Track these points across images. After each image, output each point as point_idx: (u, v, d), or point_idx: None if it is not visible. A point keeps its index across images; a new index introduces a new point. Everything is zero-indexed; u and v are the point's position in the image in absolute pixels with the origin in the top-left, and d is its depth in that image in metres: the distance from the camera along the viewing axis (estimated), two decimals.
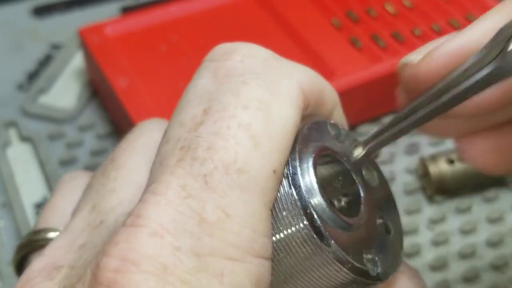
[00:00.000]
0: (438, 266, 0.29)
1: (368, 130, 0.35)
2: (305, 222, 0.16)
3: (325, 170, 0.19)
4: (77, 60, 0.39)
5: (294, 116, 0.16)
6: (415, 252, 0.29)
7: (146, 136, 0.19)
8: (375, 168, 0.20)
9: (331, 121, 0.19)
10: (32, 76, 0.38)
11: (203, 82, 0.17)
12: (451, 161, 0.31)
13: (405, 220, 0.31)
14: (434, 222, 0.31)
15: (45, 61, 0.39)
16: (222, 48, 0.17)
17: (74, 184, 0.21)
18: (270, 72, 0.16)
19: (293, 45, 0.35)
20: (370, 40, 0.35)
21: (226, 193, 0.15)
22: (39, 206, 0.31)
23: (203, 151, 0.15)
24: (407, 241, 0.30)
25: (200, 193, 0.15)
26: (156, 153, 0.16)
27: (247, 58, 0.17)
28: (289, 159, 0.17)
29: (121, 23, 0.36)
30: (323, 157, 0.18)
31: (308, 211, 0.16)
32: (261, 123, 0.15)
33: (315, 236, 0.16)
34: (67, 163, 0.33)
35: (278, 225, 0.16)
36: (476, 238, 0.30)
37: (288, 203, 0.16)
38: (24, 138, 0.34)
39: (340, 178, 0.19)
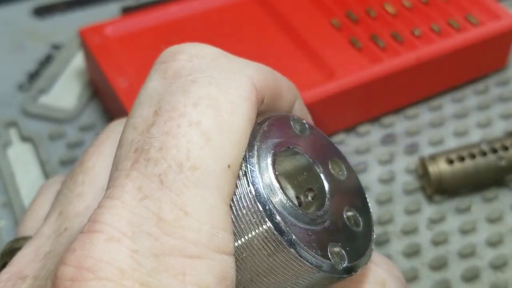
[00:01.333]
0: (438, 266, 0.29)
1: (368, 130, 0.35)
2: (265, 219, 0.16)
3: (288, 165, 0.19)
4: (78, 60, 0.39)
5: (246, 111, 0.16)
6: (415, 252, 0.29)
7: (112, 138, 0.19)
8: (344, 161, 0.19)
9: (295, 116, 0.19)
10: (33, 76, 0.38)
11: (153, 84, 0.17)
12: (450, 161, 0.31)
13: (405, 220, 0.31)
14: (434, 222, 0.31)
15: (46, 61, 0.39)
16: (170, 50, 0.18)
17: (51, 190, 0.20)
18: (219, 69, 0.16)
19: (293, 45, 0.35)
20: (369, 41, 0.35)
21: (182, 191, 0.15)
22: None
23: (155, 151, 0.15)
24: (407, 241, 0.30)
25: (156, 193, 0.14)
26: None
27: (195, 57, 0.17)
28: (247, 156, 0.16)
29: (122, 24, 0.36)
30: (285, 152, 0.18)
31: (267, 207, 0.16)
32: (212, 119, 0.15)
33: (275, 232, 0.16)
34: (68, 163, 0.33)
35: (240, 223, 0.16)
36: (476, 238, 0.30)
37: (247, 201, 0.16)
38: (25, 138, 0.34)
39: (304, 172, 0.19)
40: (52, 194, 0.20)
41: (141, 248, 0.14)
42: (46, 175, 0.32)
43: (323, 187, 0.18)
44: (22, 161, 0.33)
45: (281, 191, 0.16)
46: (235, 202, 0.16)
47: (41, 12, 0.42)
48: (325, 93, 0.32)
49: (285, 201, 0.16)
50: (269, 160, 0.17)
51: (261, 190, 0.16)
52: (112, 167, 0.16)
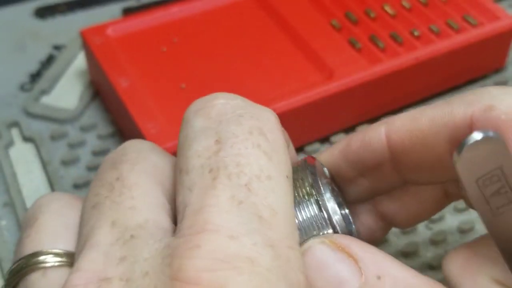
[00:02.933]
0: (437, 265, 0.29)
1: None
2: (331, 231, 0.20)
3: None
4: (79, 61, 0.39)
5: (282, 136, 0.19)
6: (414, 251, 0.30)
7: (147, 159, 0.20)
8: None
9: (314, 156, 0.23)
10: (34, 76, 0.38)
11: (199, 123, 0.19)
12: None
13: None
14: (432, 221, 0.31)
15: (47, 61, 0.39)
16: (202, 99, 0.20)
17: (60, 205, 0.21)
18: (251, 107, 0.20)
19: (293, 46, 0.35)
20: (369, 41, 0.35)
21: (266, 195, 0.17)
22: None
23: (233, 168, 0.18)
24: (406, 241, 0.30)
25: (248, 198, 0.17)
26: (176, 186, 0.18)
27: (229, 100, 0.20)
28: (315, 184, 0.20)
29: (123, 24, 0.36)
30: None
31: (334, 225, 0.20)
32: (266, 142, 0.18)
33: None
34: (69, 163, 0.33)
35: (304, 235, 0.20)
36: (474, 237, 0.30)
37: (318, 222, 0.20)
38: (27, 138, 0.35)
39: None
40: (61, 210, 0.21)
41: (257, 242, 0.16)
42: (48, 174, 0.33)
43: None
44: (24, 161, 0.33)
45: (340, 211, 0.20)
46: (301, 222, 0.20)
47: (43, 13, 0.43)
48: (325, 93, 0.32)
49: (343, 220, 0.20)
50: (328, 187, 0.20)
51: (330, 213, 0.20)
52: (181, 192, 0.18)
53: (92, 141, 0.34)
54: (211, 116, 0.19)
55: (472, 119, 0.20)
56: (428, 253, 0.30)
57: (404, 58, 0.34)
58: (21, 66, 0.39)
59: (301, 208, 0.20)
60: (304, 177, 0.20)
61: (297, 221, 0.19)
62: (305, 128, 0.33)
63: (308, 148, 0.34)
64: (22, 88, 0.38)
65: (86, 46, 0.35)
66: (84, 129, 0.35)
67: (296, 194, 0.20)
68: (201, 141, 0.18)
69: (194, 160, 0.18)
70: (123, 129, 0.34)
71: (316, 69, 0.34)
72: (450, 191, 0.23)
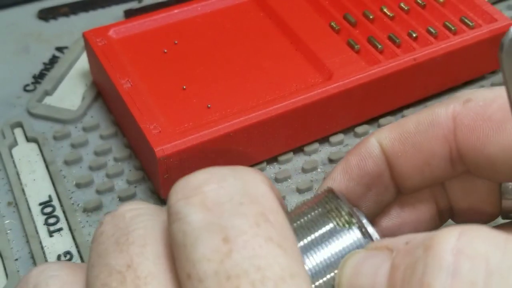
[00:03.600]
0: None
1: (366, 131, 0.35)
2: None
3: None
4: (82, 62, 0.39)
5: (281, 209, 0.18)
6: None
7: (154, 235, 0.18)
8: None
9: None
10: (38, 77, 0.39)
11: (197, 218, 0.17)
12: None
13: None
14: None
15: (50, 63, 0.40)
16: (187, 184, 0.17)
17: (56, 282, 0.19)
18: (245, 185, 0.18)
19: (292, 47, 0.36)
20: (367, 43, 0.35)
21: None
22: (44, 205, 0.32)
23: (255, 273, 0.16)
24: None
25: None
26: None
27: (221, 182, 0.17)
28: (350, 211, 0.20)
29: (125, 26, 0.37)
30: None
31: None
32: (275, 231, 0.17)
33: None
34: (72, 163, 0.34)
35: None
36: None
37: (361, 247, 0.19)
38: (30, 139, 0.35)
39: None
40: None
41: None
42: (51, 174, 0.33)
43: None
44: (27, 161, 0.34)
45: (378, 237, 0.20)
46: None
47: (46, 15, 0.43)
48: (324, 94, 0.32)
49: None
50: (363, 213, 0.20)
51: (372, 238, 0.20)
52: None
53: (94, 141, 0.35)
54: (209, 208, 0.17)
55: (453, 114, 0.21)
56: None
57: (402, 59, 0.34)
58: (25, 67, 0.39)
59: (343, 237, 0.19)
60: (338, 207, 0.20)
61: (341, 249, 0.19)
62: (305, 128, 0.33)
63: (308, 148, 0.34)
64: (25, 89, 0.38)
65: (89, 47, 0.35)
66: (87, 129, 0.35)
67: (336, 224, 0.20)
68: (206, 241, 0.16)
69: (204, 265, 0.16)
70: (125, 129, 0.35)
71: (315, 70, 0.34)
72: (441, 205, 0.24)
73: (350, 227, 0.20)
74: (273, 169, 0.34)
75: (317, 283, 0.19)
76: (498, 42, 0.37)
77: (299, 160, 0.34)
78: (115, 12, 0.43)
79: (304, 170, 0.33)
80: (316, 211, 0.20)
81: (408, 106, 0.37)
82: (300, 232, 0.20)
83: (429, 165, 0.22)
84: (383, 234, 0.24)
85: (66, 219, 0.31)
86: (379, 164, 0.22)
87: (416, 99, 0.37)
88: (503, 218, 0.24)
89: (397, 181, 0.23)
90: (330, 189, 0.21)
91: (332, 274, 0.19)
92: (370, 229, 0.20)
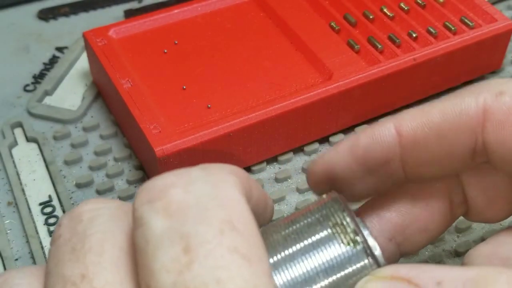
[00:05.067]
0: (434, 264, 0.29)
1: None
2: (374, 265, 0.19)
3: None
4: (82, 62, 0.39)
5: (251, 216, 0.17)
6: None
7: (113, 239, 0.17)
8: None
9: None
10: (38, 77, 0.39)
11: (158, 224, 0.16)
12: None
13: None
14: None
15: (50, 63, 0.40)
16: (153, 187, 0.17)
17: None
18: (214, 186, 0.17)
19: (292, 47, 0.36)
20: (367, 43, 0.35)
21: None
22: (44, 205, 0.32)
23: (214, 286, 0.15)
24: None
25: None
26: None
27: (187, 185, 0.16)
28: (355, 228, 0.19)
29: (125, 26, 0.37)
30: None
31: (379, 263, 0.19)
32: (241, 241, 0.16)
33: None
34: (72, 162, 0.34)
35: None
36: (472, 236, 0.31)
37: (366, 265, 0.18)
38: (30, 139, 0.35)
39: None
40: None
41: None
42: (51, 174, 0.33)
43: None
44: (27, 161, 0.34)
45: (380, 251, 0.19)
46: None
47: (46, 15, 0.43)
48: (324, 94, 0.32)
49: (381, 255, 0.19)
50: (367, 226, 0.19)
51: (376, 258, 0.19)
52: None
53: (94, 141, 0.35)
54: (171, 213, 0.16)
55: (484, 106, 0.20)
56: (426, 252, 0.30)
57: (402, 59, 0.34)
58: (25, 67, 0.39)
59: (348, 256, 0.18)
60: (344, 221, 0.19)
61: (343, 269, 0.18)
62: (305, 128, 0.33)
63: (308, 148, 0.34)
64: (25, 89, 0.38)
65: (89, 47, 0.35)
66: (87, 129, 0.35)
67: (341, 240, 0.18)
68: (166, 250, 0.15)
69: (163, 276, 0.15)
70: (125, 129, 0.35)
71: (316, 70, 0.34)
72: (455, 200, 0.23)
73: (355, 246, 0.18)
74: (273, 169, 0.34)
75: None
76: (498, 42, 0.37)
77: (299, 160, 0.34)
78: (115, 12, 0.43)
79: (304, 170, 0.33)
80: (319, 222, 0.19)
81: (408, 106, 0.37)
82: (297, 242, 0.19)
83: (450, 156, 0.21)
84: (393, 231, 0.23)
85: None
86: (389, 152, 0.21)
87: (416, 99, 0.37)
88: None
89: (409, 170, 0.22)
90: (336, 197, 0.20)
91: None
92: (378, 252, 0.19)
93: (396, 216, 0.23)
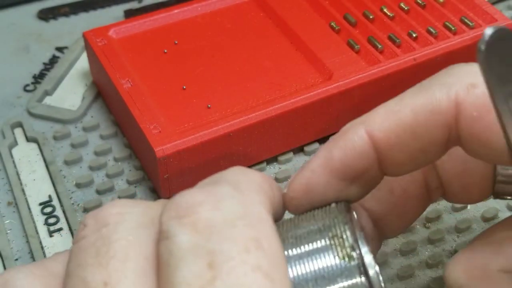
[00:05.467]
0: (434, 264, 0.29)
1: None
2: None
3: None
4: (82, 62, 0.39)
5: (277, 235, 0.17)
6: (411, 250, 0.30)
7: (138, 246, 0.17)
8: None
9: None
10: (38, 77, 0.39)
11: (185, 238, 0.16)
12: None
13: None
14: (430, 220, 0.31)
15: (50, 63, 0.40)
16: (182, 204, 0.17)
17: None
18: (244, 206, 0.17)
19: (292, 47, 0.36)
20: (367, 43, 0.35)
21: None
22: (44, 205, 0.32)
23: None
24: (404, 239, 0.30)
25: None
26: None
27: (217, 203, 0.17)
28: (354, 243, 0.18)
29: (125, 26, 0.37)
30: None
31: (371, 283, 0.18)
32: (265, 260, 0.16)
33: None
34: (72, 162, 0.34)
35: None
36: (471, 236, 0.31)
37: (355, 281, 0.18)
38: (30, 139, 0.35)
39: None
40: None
41: None
42: (51, 174, 0.33)
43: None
44: (27, 161, 0.34)
45: (375, 271, 0.18)
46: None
47: (46, 15, 0.43)
48: (324, 94, 0.32)
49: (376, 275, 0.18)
50: (367, 243, 0.18)
51: (370, 278, 0.18)
52: None
53: (94, 141, 0.35)
54: (198, 229, 0.16)
55: (456, 100, 0.19)
56: (426, 252, 0.30)
57: (402, 60, 0.34)
58: (25, 67, 0.39)
59: (338, 271, 0.18)
60: (343, 234, 0.18)
61: (332, 283, 0.18)
62: (305, 128, 0.33)
63: (308, 148, 0.34)
64: (26, 89, 0.38)
65: (89, 47, 0.35)
66: (87, 129, 0.35)
67: (337, 252, 0.18)
68: (190, 264, 0.15)
69: None
70: (125, 129, 0.35)
71: (316, 70, 0.34)
72: (432, 186, 0.23)
73: (349, 261, 0.18)
74: (273, 169, 0.34)
75: None
76: None
77: (299, 160, 0.34)
78: (115, 12, 0.43)
79: None
80: (319, 231, 0.19)
81: None
82: (294, 247, 0.18)
83: (425, 152, 0.20)
84: (374, 218, 0.23)
85: (66, 219, 0.31)
86: (366, 159, 0.20)
87: None
88: (495, 198, 0.24)
89: (386, 169, 0.21)
90: (342, 209, 0.19)
91: None
92: (372, 272, 0.18)
93: (376, 205, 0.23)
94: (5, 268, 0.29)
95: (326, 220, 0.19)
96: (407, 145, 0.20)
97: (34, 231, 0.31)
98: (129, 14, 0.43)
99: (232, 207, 0.17)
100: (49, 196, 0.32)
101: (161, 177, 0.30)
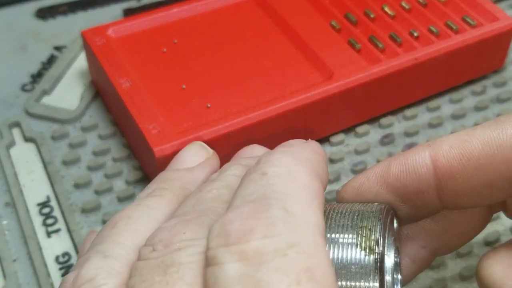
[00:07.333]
0: (436, 265, 0.29)
1: (367, 130, 0.35)
2: None
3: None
4: (80, 62, 0.39)
5: (330, 263, 0.16)
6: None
7: (197, 262, 0.17)
8: None
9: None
10: (36, 77, 0.38)
11: (234, 267, 0.16)
12: None
13: None
14: None
15: (48, 62, 0.39)
16: (234, 231, 0.16)
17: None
18: (297, 233, 0.16)
19: (293, 46, 0.35)
20: (368, 42, 0.35)
21: None
22: (42, 206, 0.32)
23: None
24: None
25: None
26: None
27: (270, 230, 0.16)
28: (379, 239, 0.18)
29: (124, 25, 0.36)
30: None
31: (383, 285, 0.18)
32: None
33: None
34: (70, 163, 0.33)
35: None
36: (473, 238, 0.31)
37: (368, 275, 0.18)
38: (28, 139, 0.35)
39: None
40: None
41: None
42: (49, 174, 0.33)
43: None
44: (25, 161, 0.34)
45: (391, 277, 0.19)
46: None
47: (44, 13, 0.43)
48: (325, 93, 0.32)
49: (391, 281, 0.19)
50: (393, 247, 0.19)
51: (384, 278, 0.18)
52: None
53: (92, 141, 0.35)
54: (248, 257, 0.16)
55: None
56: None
57: (404, 59, 0.34)
58: (22, 66, 0.39)
59: (357, 259, 0.18)
60: (373, 228, 0.19)
61: (348, 263, 0.18)
62: (305, 128, 0.33)
63: None
64: (23, 88, 0.38)
65: (87, 46, 0.35)
66: (85, 129, 0.35)
67: (360, 242, 0.18)
68: None
69: None
70: (124, 129, 0.35)
71: (316, 69, 0.34)
72: (494, 204, 0.23)
73: (368, 254, 0.18)
74: None
75: None
76: (500, 41, 0.37)
77: None
78: (114, 11, 0.43)
79: None
80: (352, 220, 0.19)
81: (409, 106, 0.36)
82: (329, 230, 0.19)
83: (491, 187, 0.20)
84: (428, 238, 0.22)
85: (65, 220, 0.31)
86: (423, 182, 0.20)
87: (417, 99, 0.36)
88: None
89: (446, 200, 0.21)
90: (382, 208, 0.19)
91: None
92: (388, 277, 0.18)
93: (431, 223, 0.23)
94: (3, 270, 0.29)
95: (362, 213, 0.19)
96: (470, 177, 0.20)
97: (32, 232, 0.30)
98: (128, 13, 0.43)
99: (284, 232, 0.16)
100: (47, 197, 0.32)
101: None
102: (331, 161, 0.34)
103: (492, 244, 0.30)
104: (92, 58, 0.35)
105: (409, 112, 0.36)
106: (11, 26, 0.42)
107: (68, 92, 0.37)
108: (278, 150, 0.19)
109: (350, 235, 0.18)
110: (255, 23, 0.37)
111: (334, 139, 0.35)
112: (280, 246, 0.16)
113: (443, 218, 0.22)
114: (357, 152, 0.34)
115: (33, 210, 0.31)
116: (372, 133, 0.35)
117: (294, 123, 0.32)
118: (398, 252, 0.21)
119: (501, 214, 0.31)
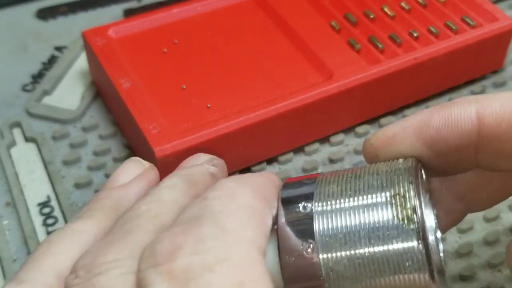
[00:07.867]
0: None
1: (367, 130, 0.35)
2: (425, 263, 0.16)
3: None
4: (81, 62, 0.39)
5: (266, 277, 0.16)
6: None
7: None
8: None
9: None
10: (36, 77, 0.38)
11: (162, 286, 0.15)
12: None
13: None
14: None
15: (49, 62, 0.39)
16: (162, 250, 0.16)
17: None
18: (227, 248, 0.16)
19: (293, 47, 0.36)
20: (368, 42, 0.35)
21: None
22: (43, 206, 0.32)
23: None
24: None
25: None
26: None
27: (196, 246, 0.16)
28: (415, 206, 0.17)
29: (124, 25, 0.36)
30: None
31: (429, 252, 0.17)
32: None
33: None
34: (71, 163, 0.33)
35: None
36: (473, 237, 0.31)
37: (410, 250, 0.16)
38: (28, 139, 0.35)
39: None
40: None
41: None
42: (49, 175, 0.33)
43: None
44: (26, 161, 0.34)
45: (434, 238, 0.17)
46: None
47: (45, 14, 0.43)
48: (324, 94, 0.32)
49: (435, 244, 0.17)
50: (430, 206, 0.17)
51: (428, 245, 0.17)
52: None
53: (93, 141, 0.35)
54: (175, 276, 0.15)
55: None
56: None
57: (403, 59, 0.34)
58: (23, 67, 0.39)
59: (396, 232, 0.17)
60: (407, 193, 0.17)
61: (389, 248, 0.16)
62: (305, 128, 0.33)
63: (308, 148, 0.34)
64: (24, 88, 0.38)
65: (88, 47, 0.35)
66: (86, 129, 0.35)
67: (395, 213, 0.17)
68: None
69: None
70: (124, 129, 0.35)
71: (316, 70, 0.34)
72: None
73: (408, 225, 0.16)
74: (273, 169, 0.34)
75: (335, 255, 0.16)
76: (499, 41, 0.37)
77: (299, 160, 0.34)
78: (115, 11, 0.43)
79: (304, 170, 0.33)
80: (381, 187, 0.17)
81: (409, 106, 0.36)
82: (352, 200, 0.17)
83: None
84: (467, 189, 0.21)
85: (65, 220, 0.31)
86: (464, 139, 0.19)
87: (417, 99, 0.37)
88: None
89: (484, 160, 0.19)
90: (410, 166, 0.18)
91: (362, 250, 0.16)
92: (431, 239, 0.16)
93: (472, 175, 0.21)
94: (3, 270, 0.29)
95: (390, 176, 0.18)
96: None
97: (33, 232, 0.30)
98: (129, 13, 0.43)
99: (213, 249, 0.15)
100: (48, 197, 0.32)
101: (161, 177, 0.30)
102: (331, 161, 0.34)
103: (492, 244, 0.30)
104: (92, 58, 0.35)
105: (409, 112, 0.36)
106: (12, 26, 0.42)
107: (69, 92, 0.37)
108: (225, 179, 0.18)
109: (383, 206, 0.17)
110: (255, 24, 0.37)
111: (334, 139, 0.35)
112: (208, 262, 0.15)
113: (484, 172, 0.21)
114: (357, 152, 0.34)
115: (34, 210, 0.31)
116: (372, 133, 0.35)
117: (294, 123, 0.32)
118: (433, 207, 0.19)
119: (501, 214, 0.31)
